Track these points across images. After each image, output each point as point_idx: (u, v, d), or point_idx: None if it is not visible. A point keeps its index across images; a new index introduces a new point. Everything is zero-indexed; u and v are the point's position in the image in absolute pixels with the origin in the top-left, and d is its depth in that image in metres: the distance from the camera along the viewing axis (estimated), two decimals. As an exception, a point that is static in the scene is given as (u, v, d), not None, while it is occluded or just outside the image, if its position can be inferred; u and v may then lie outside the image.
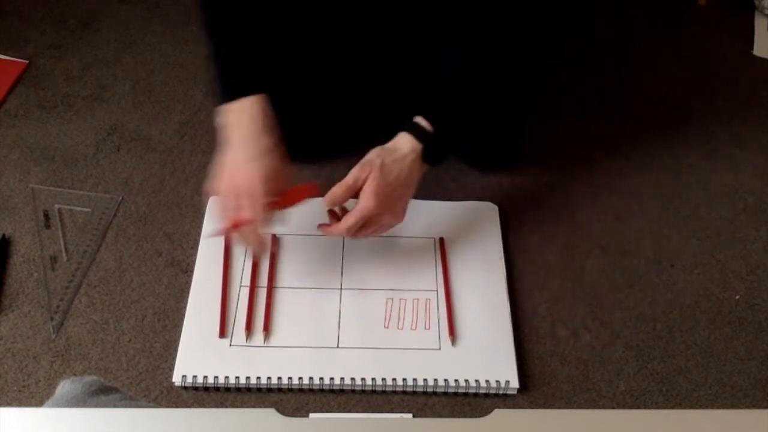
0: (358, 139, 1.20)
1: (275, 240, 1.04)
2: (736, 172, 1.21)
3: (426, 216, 1.09)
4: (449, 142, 0.95)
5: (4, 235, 1.01)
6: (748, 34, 1.47)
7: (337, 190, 0.90)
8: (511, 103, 1.10)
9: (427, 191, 1.13)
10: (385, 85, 1.14)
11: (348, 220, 0.91)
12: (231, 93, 0.90)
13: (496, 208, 1.11)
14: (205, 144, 1.19)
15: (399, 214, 0.95)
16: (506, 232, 1.09)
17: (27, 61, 1.29)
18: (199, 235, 1.05)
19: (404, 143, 0.92)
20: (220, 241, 1.03)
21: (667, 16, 1.51)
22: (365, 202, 0.89)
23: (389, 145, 0.93)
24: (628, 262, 1.07)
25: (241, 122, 0.88)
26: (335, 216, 0.95)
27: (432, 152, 0.92)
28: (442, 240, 1.06)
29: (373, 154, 0.91)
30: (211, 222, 1.06)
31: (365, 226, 0.92)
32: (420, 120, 0.93)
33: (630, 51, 1.43)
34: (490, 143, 1.16)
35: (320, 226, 0.96)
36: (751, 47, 1.45)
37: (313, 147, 1.18)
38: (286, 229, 1.05)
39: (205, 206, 1.08)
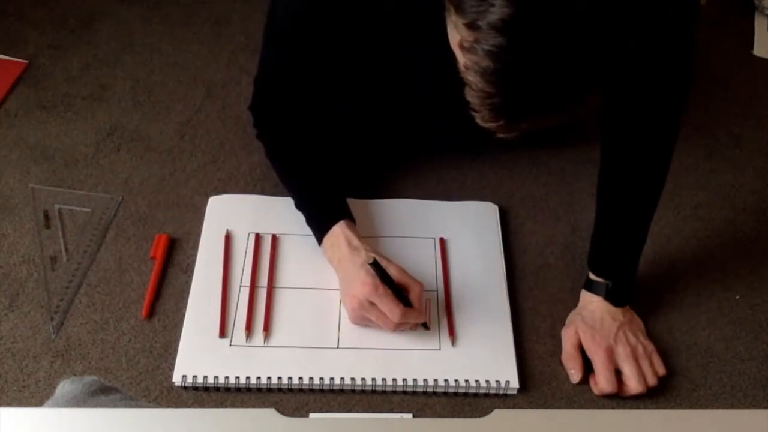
0: (358, 139, 1.21)
1: (275, 240, 1.04)
2: (736, 172, 1.21)
3: (426, 216, 1.09)
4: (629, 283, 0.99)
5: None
6: (748, 34, 1.47)
7: (607, 386, 0.91)
8: None
9: (427, 191, 1.14)
10: (385, 84, 1.14)
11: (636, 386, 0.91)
12: (321, 232, 0.98)
13: (496, 208, 1.11)
14: (205, 144, 1.19)
15: (642, 336, 0.96)
16: (506, 232, 1.09)
17: (27, 61, 1.29)
18: (199, 235, 1.05)
19: (593, 304, 0.97)
20: (220, 241, 1.03)
21: (667, 16, 1.51)
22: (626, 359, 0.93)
23: (586, 314, 0.97)
24: (628, 262, 1.07)
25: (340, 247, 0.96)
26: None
27: (618, 297, 0.97)
28: (442, 240, 1.06)
29: (582, 331, 0.95)
30: (212, 222, 1.06)
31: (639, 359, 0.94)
32: (596, 277, 0.98)
33: (630, 51, 1.43)
34: None
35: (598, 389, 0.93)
36: (751, 47, 1.45)
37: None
38: (286, 229, 1.05)
39: (206, 206, 1.08)
